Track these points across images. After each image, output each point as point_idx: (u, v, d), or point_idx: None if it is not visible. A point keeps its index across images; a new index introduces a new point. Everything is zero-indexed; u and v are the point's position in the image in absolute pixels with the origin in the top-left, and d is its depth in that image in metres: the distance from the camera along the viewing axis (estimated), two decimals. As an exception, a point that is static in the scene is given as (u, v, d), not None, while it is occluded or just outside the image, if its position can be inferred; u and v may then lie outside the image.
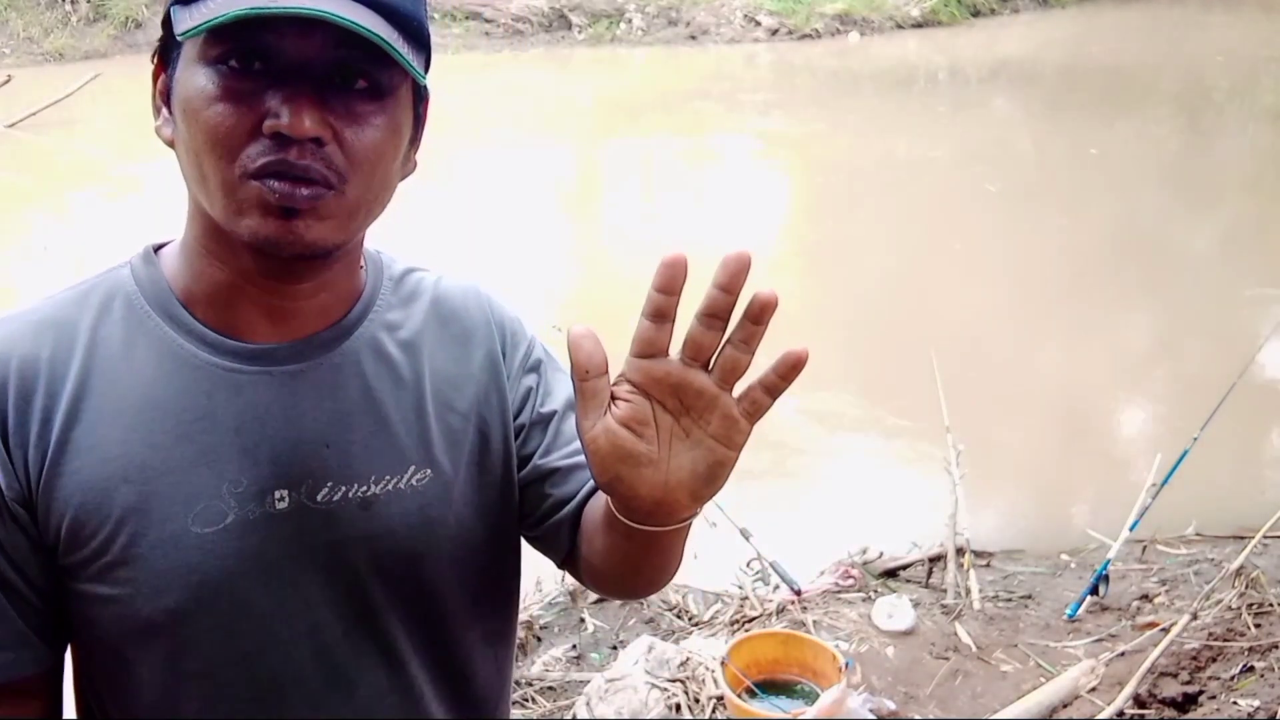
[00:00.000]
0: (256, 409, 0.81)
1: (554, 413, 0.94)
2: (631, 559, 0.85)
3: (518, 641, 2.91)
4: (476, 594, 0.92)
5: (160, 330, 0.81)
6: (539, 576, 3.36)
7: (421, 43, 0.78)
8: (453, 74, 12.77)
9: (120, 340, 0.81)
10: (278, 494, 0.81)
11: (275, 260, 0.78)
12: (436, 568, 0.88)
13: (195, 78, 0.76)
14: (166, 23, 0.79)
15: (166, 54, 0.80)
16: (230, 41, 0.73)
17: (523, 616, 3.03)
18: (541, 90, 12.04)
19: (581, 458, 0.83)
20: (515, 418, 0.93)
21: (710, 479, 0.73)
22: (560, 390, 0.95)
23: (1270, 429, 4.68)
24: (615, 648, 2.92)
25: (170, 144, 0.81)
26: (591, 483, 0.89)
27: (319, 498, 0.82)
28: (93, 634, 0.82)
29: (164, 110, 0.81)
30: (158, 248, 0.87)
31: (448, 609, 0.90)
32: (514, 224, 7.44)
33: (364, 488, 0.84)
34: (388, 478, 0.85)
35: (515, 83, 12.40)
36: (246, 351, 0.82)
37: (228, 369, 0.81)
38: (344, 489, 0.83)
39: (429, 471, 0.87)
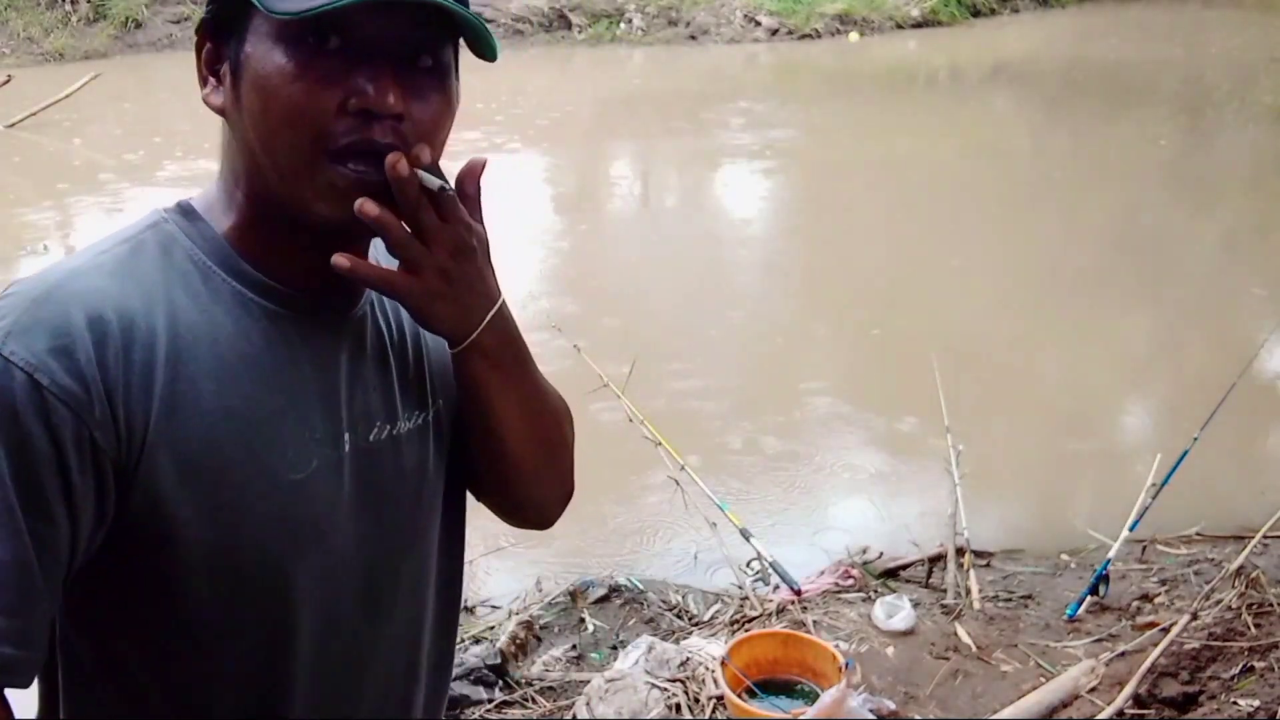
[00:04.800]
0: (325, 354, 0.85)
1: None
2: (498, 416, 0.91)
3: (519, 641, 2.92)
4: (460, 516, 1.00)
5: (229, 285, 0.82)
6: (539, 576, 3.37)
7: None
8: (453, 74, 12.77)
9: (193, 296, 0.81)
10: (347, 436, 0.85)
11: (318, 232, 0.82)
12: (449, 495, 0.96)
13: (272, 54, 0.76)
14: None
15: (222, 23, 0.81)
16: (311, 18, 0.74)
17: (523, 617, 3.03)
18: (542, 90, 12.04)
19: None
20: None
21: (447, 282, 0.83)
22: None
23: (1270, 429, 4.68)
24: (615, 648, 2.92)
25: (220, 111, 0.82)
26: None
27: (370, 437, 0.87)
28: (149, 615, 0.81)
29: (212, 80, 0.83)
30: (185, 205, 0.87)
31: (455, 534, 0.99)
32: (513, 224, 7.43)
33: (398, 426, 0.89)
34: (416, 413, 0.91)
35: (515, 82, 12.39)
36: (309, 300, 0.85)
37: (297, 317, 0.84)
38: (388, 428, 0.88)
39: (441, 402, 0.93)
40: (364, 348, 0.88)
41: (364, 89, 0.76)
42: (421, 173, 0.78)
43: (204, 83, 0.84)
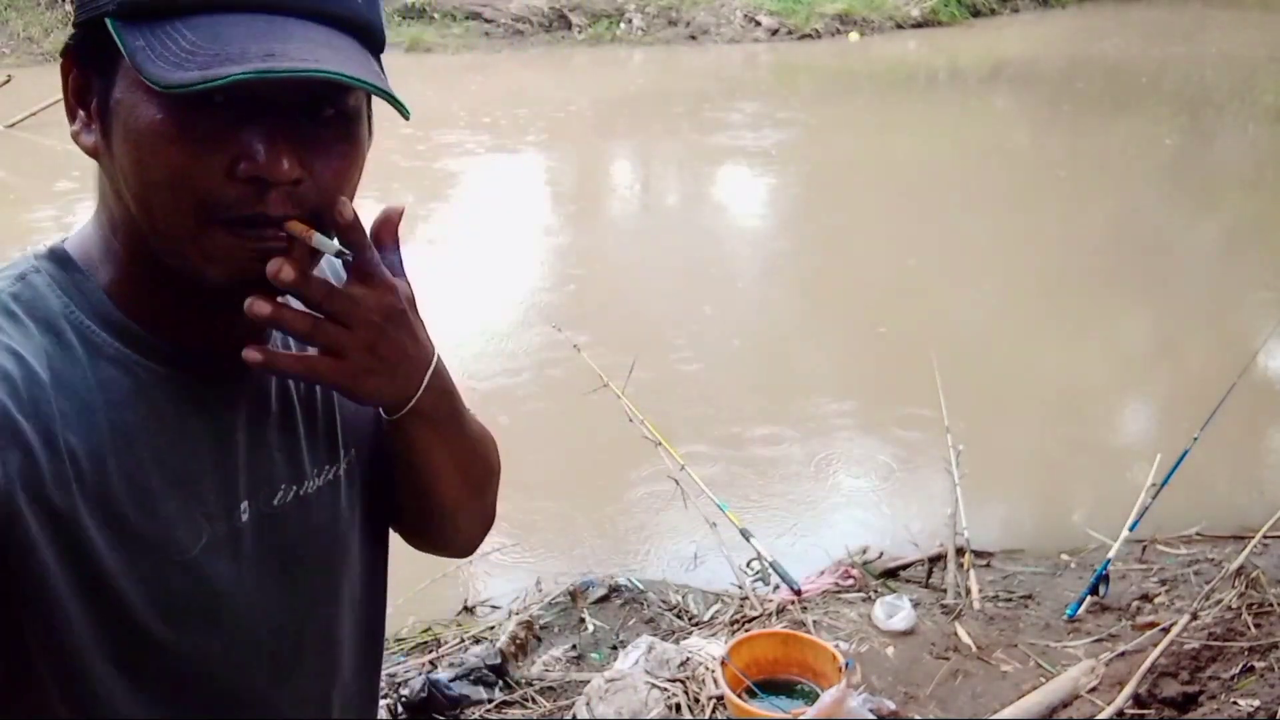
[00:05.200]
0: (221, 419, 0.78)
1: None
2: (433, 470, 0.87)
3: (519, 642, 2.92)
4: (382, 559, 0.95)
5: (114, 348, 0.73)
6: (539, 577, 3.37)
7: (381, 48, 0.76)
8: (453, 74, 12.78)
9: (70, 359, 0.72)
10: (245, 505, 0.79)
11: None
12: (368, 541, 0.90)
13: (147, 108, 0.68)
14: (90, 24, 0.70)
15: (89, 55, 0.71)
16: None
17: (523, 617, 3.03)
18: (541, 90, 12.04)
19: None
20: None
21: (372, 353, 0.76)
22: None
23: (1270, 429, 4.68)
24: (615, 648, 2.92)
25: (92, 154, 0.74)
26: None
27: (275, 502, 0.81)
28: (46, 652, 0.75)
29: (81, 114, 0.74)
30: (59, 253, 0.77)
31: (375, 580, 0.93)
32: (514, 225, 7.44)
33: (305, 486, 0.83)
34: (326, 468, 0.85)
35: (515, 83, 12.39)
36: (202, 360, 0.77)
37: (189, 380, 0.76)
38: (294, 489, 0.82)
39: (353, 452, 0.88)
40: (266, 407, 0.81)
41: (255, 153, 0.67)
42: (317, 237, 0.70)
43: (72, 116, 0.74)
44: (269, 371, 0.76)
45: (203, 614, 0.77)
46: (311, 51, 0.67)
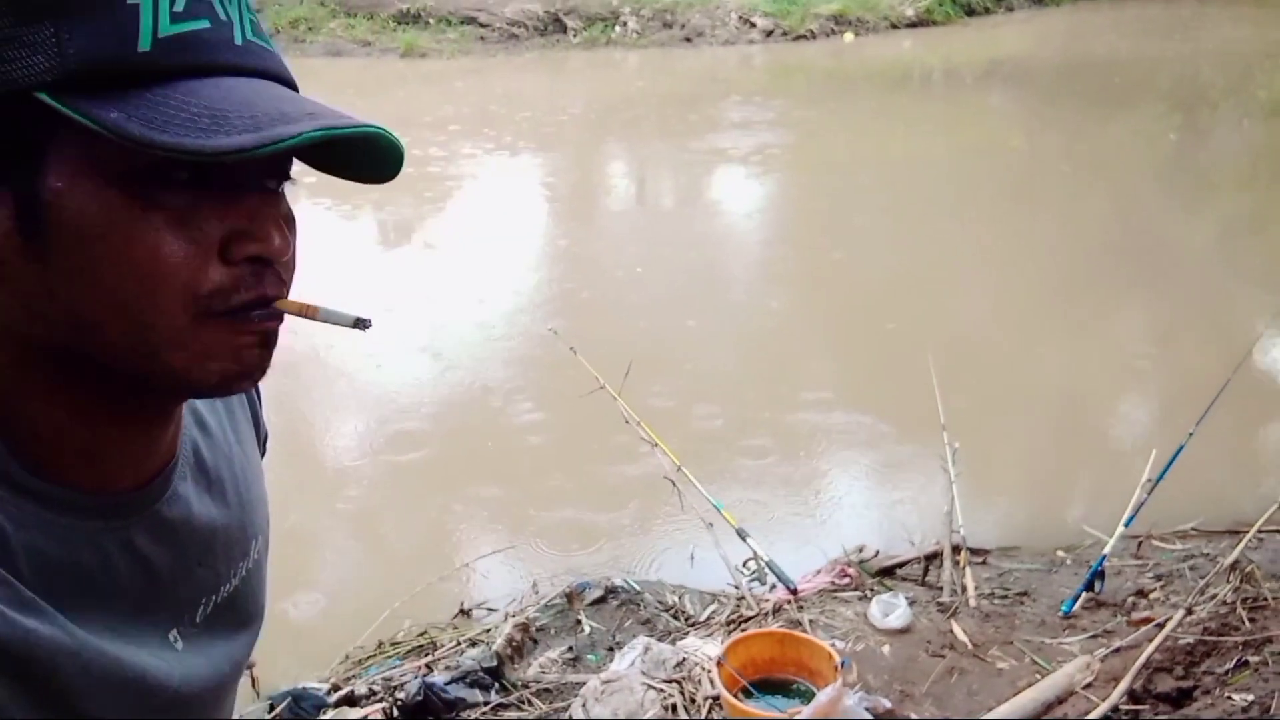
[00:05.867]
0: (146, 561, 0.70)
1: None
2: None
3: (515, 644, 2.92)
4: None
5: (22, 507, 0.62)
6: (535, 579, 3.37)
7: None
8: (448, 79, 12.79)
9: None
10: (172, 635, 0.74)
11: (161, 398, 0.68)
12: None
13: (105, 194, 0.57)
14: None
15: None
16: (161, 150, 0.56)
17: (519, 619, 3.03)
18: (537, 94, 12.05)
19: None
20: None
21: None
22: None
23: (1265, 424, 4.68)
24: (611, 649, 2.93)
25: None
26: None
27: (199, 618, 0.77)
28: None
29: None
30: None
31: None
32: (509, 228, 7.44)
33: (229, 585, 0.80)
34: (241, 564, 0.82)
35: (510, 87, 12.40)
36: (123, 498, 0.69)
37: (112, 528, 0.68)
38: (215, 597, 0.79)
39: (260, 539, 0.85)
40: (203, 516, 0.76)
41: (250, 231, 0.61)
42: (323, 310, 0.65)
43: None
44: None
45: None
46: (315, 110, 0.61)
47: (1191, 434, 3.10)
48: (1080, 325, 5.51)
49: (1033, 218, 7.38)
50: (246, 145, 0.55)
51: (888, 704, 2.53)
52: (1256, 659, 2.39)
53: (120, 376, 0.63)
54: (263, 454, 0.92)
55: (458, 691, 2.64)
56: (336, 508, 3.95)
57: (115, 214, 0.58)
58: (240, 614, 0.83)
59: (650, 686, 2.57)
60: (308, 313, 0.64)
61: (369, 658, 2.99)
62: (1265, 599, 2.71)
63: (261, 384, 0.75)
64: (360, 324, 0.65)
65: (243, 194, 0.62)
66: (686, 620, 3.11)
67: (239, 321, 0.62)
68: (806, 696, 2.50)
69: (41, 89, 0.56)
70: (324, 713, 2.63)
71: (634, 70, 13.72)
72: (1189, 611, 2.63)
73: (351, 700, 2.68)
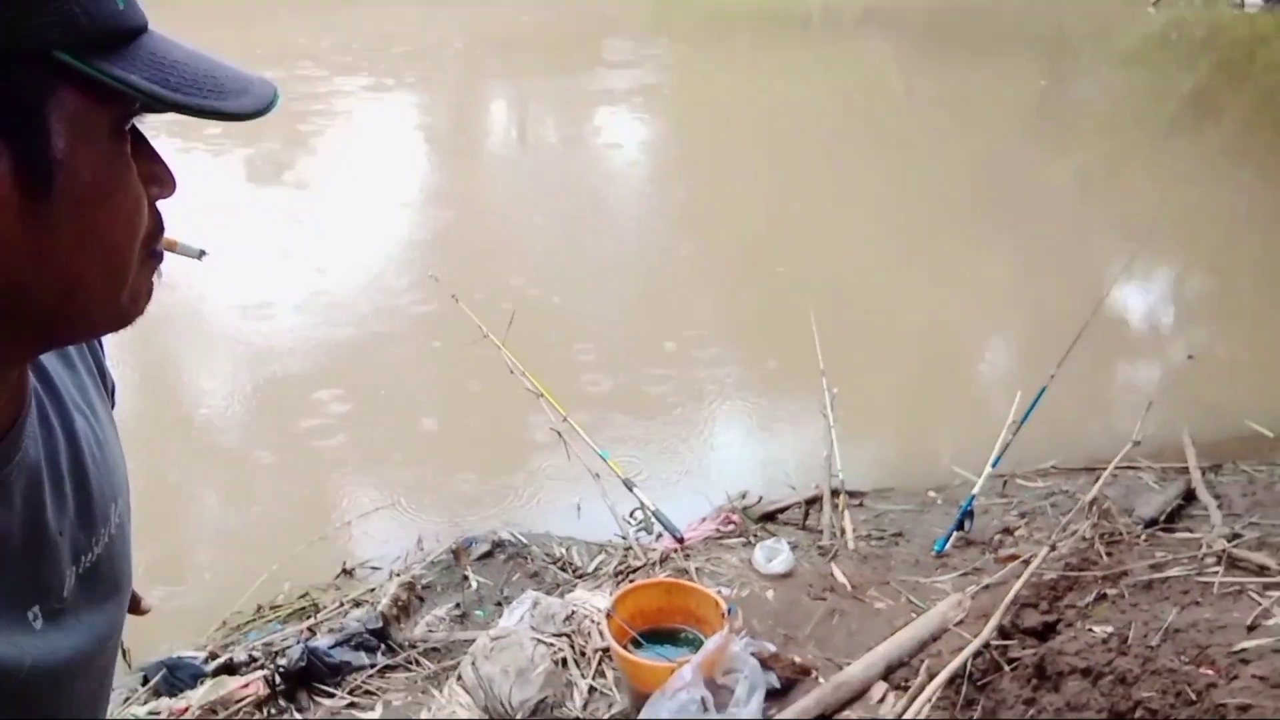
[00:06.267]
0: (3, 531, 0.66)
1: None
2: None
3: (401, 603, 2.87)
4: None
5: None
6: (420, 535, 3.32)
7: None
8: (323, 10, 12.20)
9: None
10: (31, 614, 0.68)
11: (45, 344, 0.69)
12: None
13: (98, 146, 0.60)
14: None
15: None
16: (125, 101, 0.60)
17: (404, 577, 2.99)
18: (416, 28, 11.61)
19: None
20: None
21: None
22: None
23: (1119, 366, 4.95)
24: (500, 604, 2.91)
25: None
26: None
27: (65, 593, 0.72)
28: None
29: None
30: None
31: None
32: (388, 168, 7.20)
33: (90, 554, 0.75)
34: (103, 529, 0.77)
35: (390, 19, 11.91)
36: None
37: None
38: (78, 568, 0.74)
39: (120, 502, 0.81)
40: (40, 495, 0.70)
41: (167, 178, 0.67)
42: (182, 244, 0.74)
43: None
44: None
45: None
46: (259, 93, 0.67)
47: (1053, 376, 3.24)
48: (951, 270, 5.69)
49: (907, 160, 7.55)
50: (255, 107, 0.63)
51: (773, 648, 2.59)
52: (1114, 592, 2.53)
53: (50, 325, 0.64)
54: (112, 405, 0.87)
55: (343, 655, 2.59)
56: (208, 466, 3.80)
57: (113, 168, 0.62)
58: (105, 583, 0.77)
59: (540, 641, 2.57)
60: (172, 246, 0.71)
61: (248, 623, 2.90)
62: (1121, 534, 2.88)
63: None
64: (202, 255, 0.78)
65: (147, 141, 0.66)
66: (575, 572, 3.11)
67: (155, 259, 0.68)
68: (695, 644, 2.54)
69: (62, 49, 0.56)
70: (201, 682, 2.54)
71: (513, 4, 13.36)
72: (1052, 548, 2.77)
73: (230, 668, 2.60)
